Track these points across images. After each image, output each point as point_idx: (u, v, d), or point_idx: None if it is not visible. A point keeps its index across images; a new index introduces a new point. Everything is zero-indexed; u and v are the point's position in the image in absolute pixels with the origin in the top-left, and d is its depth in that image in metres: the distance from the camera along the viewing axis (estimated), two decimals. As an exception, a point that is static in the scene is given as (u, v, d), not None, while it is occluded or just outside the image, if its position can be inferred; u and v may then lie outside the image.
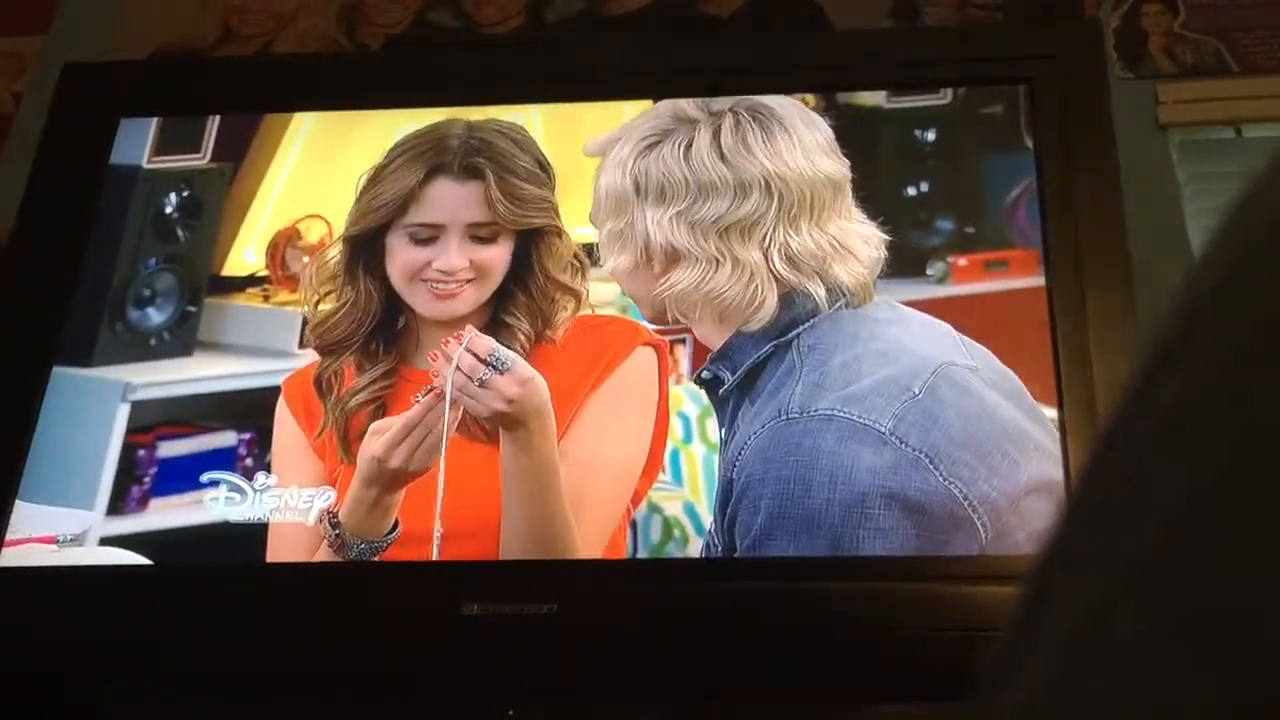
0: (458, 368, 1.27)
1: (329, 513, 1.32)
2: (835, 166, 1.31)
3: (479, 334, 1.30)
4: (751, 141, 1.30)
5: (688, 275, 1.27)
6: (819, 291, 1.26)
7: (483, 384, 1.27)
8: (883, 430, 1.20)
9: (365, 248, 1.38)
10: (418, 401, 1.29)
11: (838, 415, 1.21)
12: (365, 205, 1.39)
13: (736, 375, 1.26)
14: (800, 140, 1.31)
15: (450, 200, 1.37)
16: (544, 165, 1.40)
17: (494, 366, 1.28)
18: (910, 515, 1.20)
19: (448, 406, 1.27)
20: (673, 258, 1.28)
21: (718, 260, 1.26)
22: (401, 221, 1.37)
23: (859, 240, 1.29)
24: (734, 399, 1.27)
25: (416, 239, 1.36)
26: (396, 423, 1.29)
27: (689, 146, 1.30)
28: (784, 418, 1.22)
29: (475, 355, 1.28)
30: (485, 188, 1.36)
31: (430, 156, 1.38)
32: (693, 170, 1.29)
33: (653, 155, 1.30)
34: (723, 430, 1.29)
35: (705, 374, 1.29)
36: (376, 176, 1.39)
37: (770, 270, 1.26)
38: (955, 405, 1.23)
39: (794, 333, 1.26)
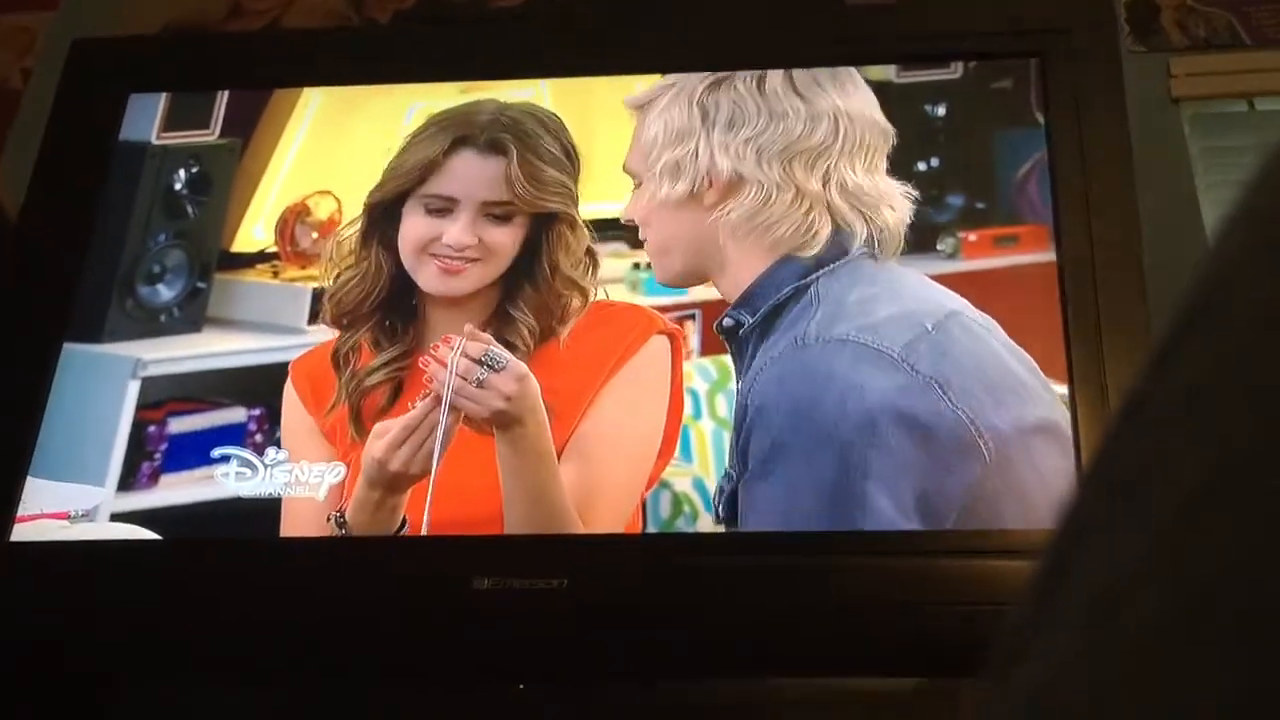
0: (454, 373, 1.27)
1: (337, 512, 1.31)
2: (886, 121, 1.35)
3: (475, 332, 1.30)
4: (823, 79, 1.35)
5: (748, 202, 1.29)
6: (861, 232, 1.29)
7: (480, 384, 1.27)
8: (894, 355, 1.22)
9: (383, 217, 1.38)
10: (414, 407, 1.29)
11: (851, 339, 1.23)
12: (390, 171, 1.39)
13: (756, 317, 1.28)
14: (860, 89, 1.36)
15: (470, 173, 1.37)
16: (571, 153, 1.40)
17: (490, 366, 1.28)
18: (918, 436, 1.21)
19: (444, 411, 1.27)
20: (733, 185, 1.30)
21: (779, 186, 1.29)
22: (419, 191, 1.37)
23: (895, 193, 1.32)
24: (753, 341, 1.28)
25: (430, 209, 1.36)
26: (396, 425, 1.29)
27: (763, 79, 1.34)
28: (799, 344, 1.24)
29: (469, 357, 1.28)
30: (507, 164, 1.36)
31: (458, 128, 1.38)
32: (766, 100, 1.33)
33: (723, 88, 1.34)
34: (740, 369, 1.30)
35: (726, 321, 1.30)
36: (406, 144, 1.40)
37: (828, 202, 1.29)
38: (966, 345, 1.25)
39: (814, 276, 1.28)
